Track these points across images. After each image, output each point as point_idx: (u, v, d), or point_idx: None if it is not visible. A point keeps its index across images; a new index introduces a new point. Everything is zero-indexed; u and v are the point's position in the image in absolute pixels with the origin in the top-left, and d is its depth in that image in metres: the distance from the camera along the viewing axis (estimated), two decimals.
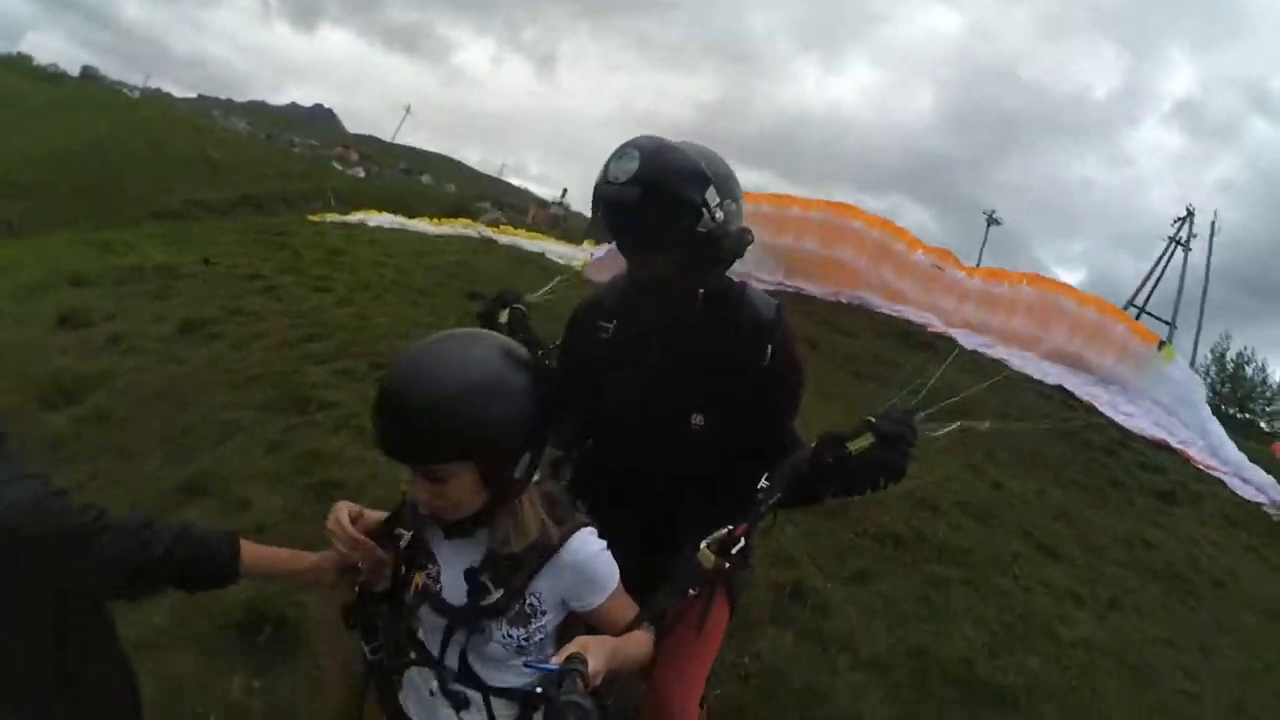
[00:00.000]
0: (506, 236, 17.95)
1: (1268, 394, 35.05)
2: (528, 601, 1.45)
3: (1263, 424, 30.83)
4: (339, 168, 48.91)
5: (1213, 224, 36.10)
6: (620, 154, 1.63)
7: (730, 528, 1.58)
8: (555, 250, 15.78)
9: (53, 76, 50.61)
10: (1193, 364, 33.54)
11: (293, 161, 44.73)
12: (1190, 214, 36.26)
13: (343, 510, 1.53)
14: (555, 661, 1.27)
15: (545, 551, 1.45)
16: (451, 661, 1.48)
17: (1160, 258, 36.86)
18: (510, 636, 1.44)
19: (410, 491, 1.47)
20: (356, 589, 1.59)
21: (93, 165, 29.49)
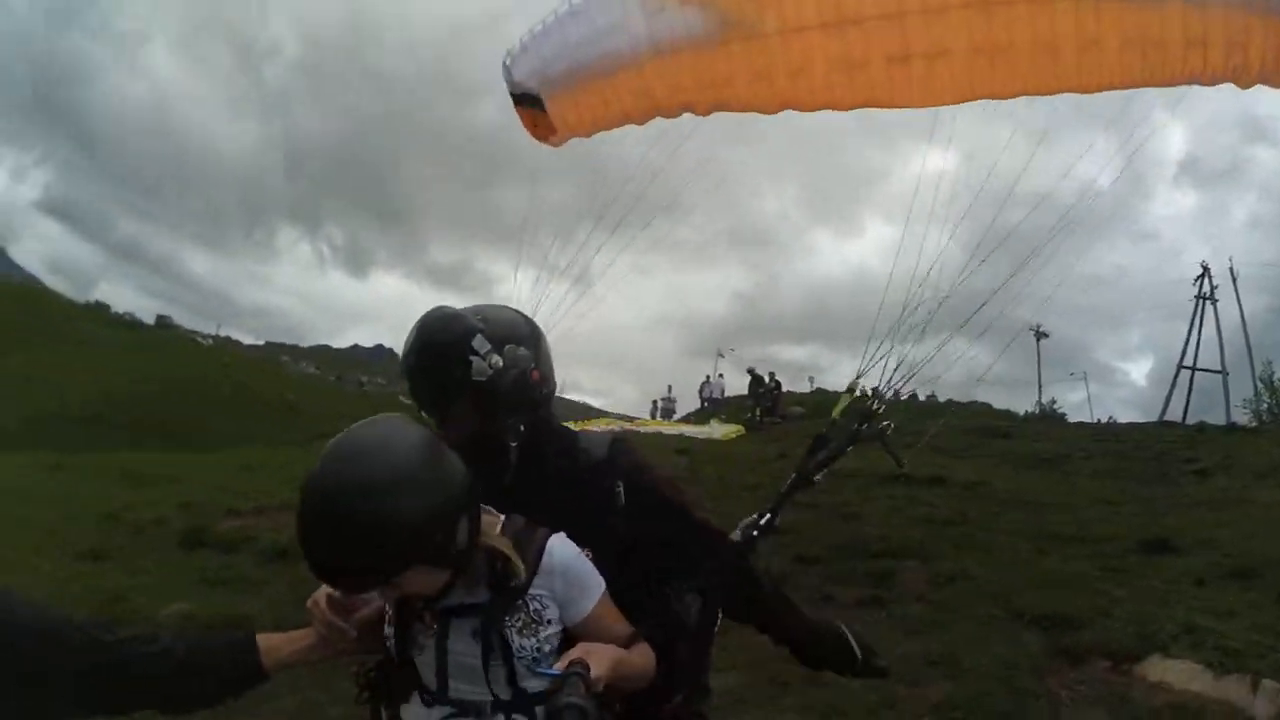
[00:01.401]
0: (645, 428, 21.73)
1: None
2: (530, 607, 1.48)
3: None
4: (406, 401, 50.56)
5: (1230, 269, 37.16)
6: (410, 330, 1.75)
7: (755, 515, 2.05)
8: (686, 430, 20.97)
9: (130, 324, 54.35)
10: (1255, 403, 33.08)
11: (365, 399, 46.64)
12: (1206, 269, 37.12)
13: (320, 593, 1.56)
14: (558, 667, 1.34)
15: (535, 557, 1.49)
16: (502, 691, 1.47)
17: (1193, 317, 37.68)
18: (524, 649, 1.46)
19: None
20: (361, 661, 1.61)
21: (177, 406, 30.64)
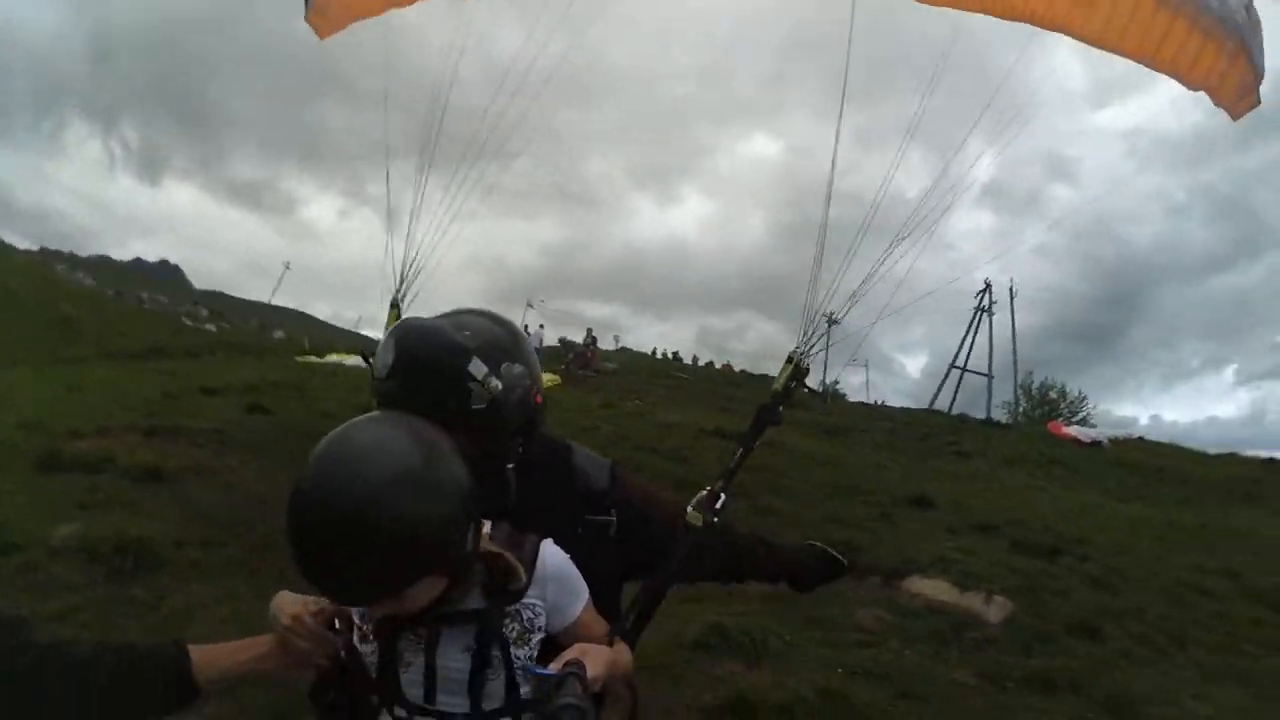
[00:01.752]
0: None
1: (1070, 405, 42.98)
2: (524, 616, 1.42)
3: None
4: (189, 323, 45.43)
5: (1010, 289, 43.71)
6: (383, 346, 1.57)
7: (708, 488, 1.94)
8: None
9: None
10: (1016, 408, 42.12)
11: (143, 316, 42.14)
12: (988, 284, 43.12)
13: (296, 606, 1.44)
14: (554, 668, 1.26)
15: (529, 564, 1.43)
16: (491, 701, 1.40)
17: (970, 324, 43.72)
18: (518, 659, 1.40)
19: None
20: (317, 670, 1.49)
21: None
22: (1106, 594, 7.24)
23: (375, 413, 1.39)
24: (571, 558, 1.52)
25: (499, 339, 1.62)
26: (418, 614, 1.32)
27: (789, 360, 2.20)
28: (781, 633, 5.47)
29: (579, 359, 26.95)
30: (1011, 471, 14.92)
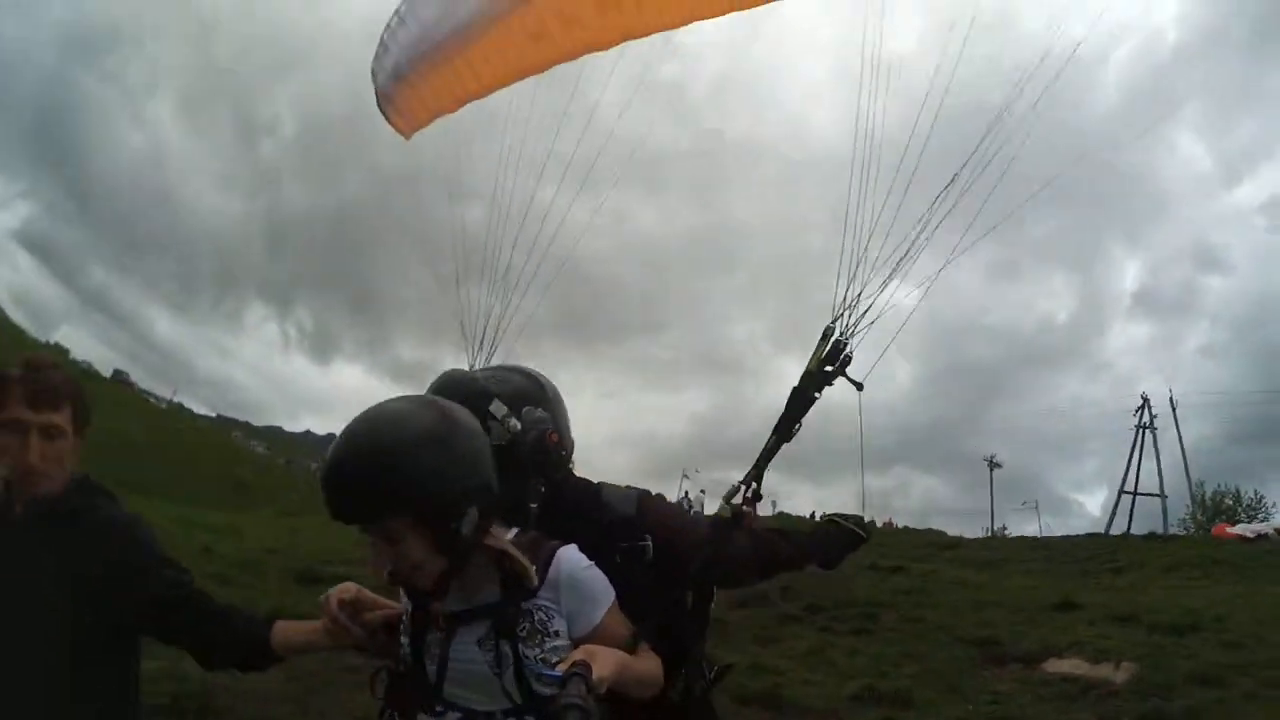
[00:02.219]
0: None
1: (1247, 509, 38.71)
2: (535, 617, 1.47)
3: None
4: None
5: (1170, 400, 42.05)
6: (427, 390, 1.80)
7: (738, 482, 2.03)
8: None
9: (86, 373, 53.65)
10: (1189, 518, 37.83)
11: (312, 483, 45.38)
12: (1145, 400, 42.00)
13: (335, 593, 1.65)
14: (560, 669, 1.30)
15: (543, 567, 1.50)
16: (503, 700, 1.47)
17: (1134, 444, 41.73)
18: (528, 659, 1.45)
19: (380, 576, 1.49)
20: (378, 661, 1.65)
21: (131, 466, 28.97)
22: (1235, 652, 7.80)
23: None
24: (611, 582, 1.58)
25: (524, 388, 1.83)
26: (429, 596, 1.48)
27: (824, 336, 2.07)
28: (925, 692, 6.72)
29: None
30: (1168, 577, 14.76)
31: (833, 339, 2.09)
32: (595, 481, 1.90)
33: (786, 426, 2.03)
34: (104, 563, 1.68)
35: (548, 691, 1.36)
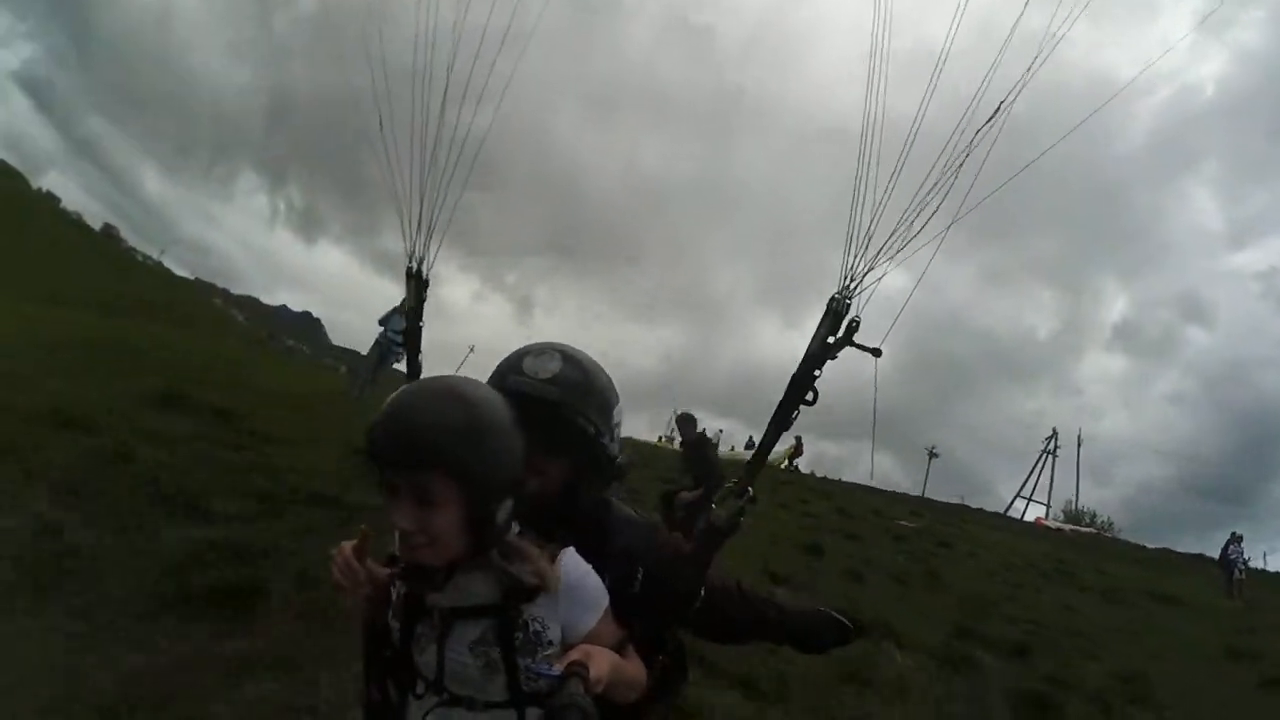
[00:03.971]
0: None
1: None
2: (531, 629, 1.45)
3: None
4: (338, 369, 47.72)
5: (1078, 438, 53.86)
6: (540, 351, 1.66)
7: (735, 482, 1.88)
8: None
9: (77, 225, 54.12)
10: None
11: (292, 365, 44.93)
12: (1055, 433, 54.59)
13: (347, 545, 1.55)
14: (558, 668, 1.30)
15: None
16: (498, 695, 1.46)
17: (1035, 464, 53.55)
18: (521, 664, 1.44)
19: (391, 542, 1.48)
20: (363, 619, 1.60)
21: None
22: None
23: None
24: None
25: (620, 409, 1.75)
26: (436, 574, 1.43)
27: (828, 310, 1.86)
28: None
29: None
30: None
31: (837, 309, 1.89)
32: (605, 499, 1.79)
33: (785, 414, 1.90)
34: None
35: (543, 688, 1.37)
